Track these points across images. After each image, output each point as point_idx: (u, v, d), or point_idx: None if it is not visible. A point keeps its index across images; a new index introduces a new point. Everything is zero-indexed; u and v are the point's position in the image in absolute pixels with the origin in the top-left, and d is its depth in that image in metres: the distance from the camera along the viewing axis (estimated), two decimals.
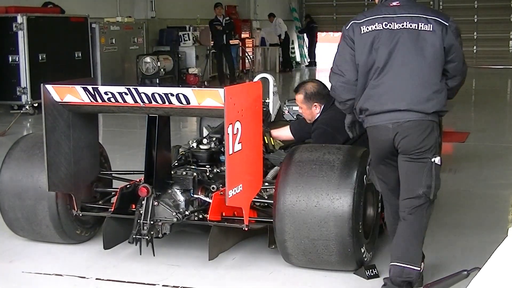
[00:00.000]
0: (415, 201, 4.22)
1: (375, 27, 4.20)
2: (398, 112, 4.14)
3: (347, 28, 4.30)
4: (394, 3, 4.26)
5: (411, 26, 4.16)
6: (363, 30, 4.22)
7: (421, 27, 4.15)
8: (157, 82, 16.69)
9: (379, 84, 4.18)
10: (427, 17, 4.18)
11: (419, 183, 4.19)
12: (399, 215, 4.32)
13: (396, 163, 4.29)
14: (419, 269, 4.28)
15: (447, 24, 4.19)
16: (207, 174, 5.29)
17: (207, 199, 5.06)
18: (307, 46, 28.41)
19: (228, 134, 4.32)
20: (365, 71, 4.22)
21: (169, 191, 5.05)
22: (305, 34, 28.23)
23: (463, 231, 5.88)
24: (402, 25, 4.16)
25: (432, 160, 4.17)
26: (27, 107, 13.48)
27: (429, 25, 4.16)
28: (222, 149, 5.36)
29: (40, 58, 13.79)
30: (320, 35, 30.28)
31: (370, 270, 4.77)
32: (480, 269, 2.65)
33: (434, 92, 4.16)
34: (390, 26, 4.17)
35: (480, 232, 5.51)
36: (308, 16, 28.15)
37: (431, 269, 4.88)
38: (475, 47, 27.15)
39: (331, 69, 4.40)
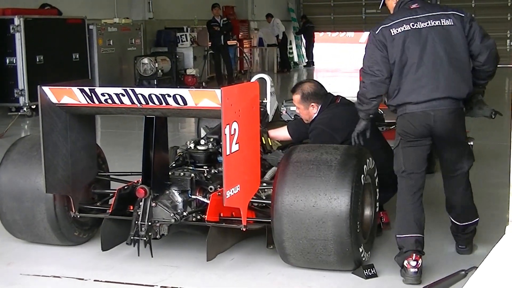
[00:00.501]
0: (460, 178, 5.00)
1: (404, 28, 4.71)
2: (437, 101, 4.67)
3: (376, 33, 4.77)
4: (414, 6, 4.81)
5: (435, 23, 4.72)
6: (393, 32, 4.72)
7: (443, 23, 4.73)
8: (155, 83, 16.66)
9: (419, 78, 4.67)
10: (445, 13, 4.77)
11: (460, 164, 4.95)
12: (448, 190, 5.07)
13: (424, 146, 4.81)
14: (478, 218, 5.17)
15: (463, 15, 4.81)
16: (205, 175, 5.29)
17: (205, 200, 5.06)
18: (305, 46, 28.40)
19: (225, 134, 4.32)
20: (400, 68, 4.70)
21: (167, 192, 5.05)
22: (302, 35, 28.21)
23: None
24: (427, 24, 4.72)
25: (470, 143, 5.10)
26: (25, 109, 13.48)
27: (449, 20, 4.75)
28: (220, 150, 5.35)
29: (38, 60, 13.78)
30: (318, 35, 30.31)
31: (369, 269, 4.77)
32: (477, 268, 2.65)
33: (463, 79, 4.74)
34: (416, 25, 4.71)
35: (478, 230, 5.50)
36: (304, 17, 28.14)
37: (430, 268, 4.88)
38: None
39: (362, 70, 4.89)
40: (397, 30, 4.71)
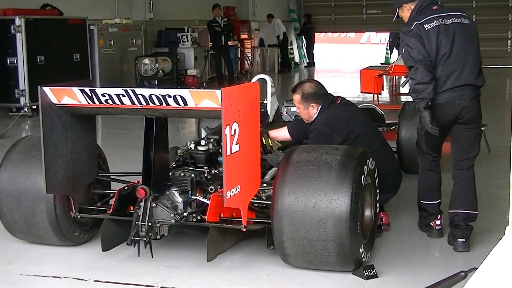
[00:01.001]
0: (471, 161, 5.46)
1: (435, 23, 5.27)
2: (461, 88, 5.28)
3: (412, 28, 5.28)
4: (435, 7, 5.41)
5: (457, 21, 5.34)
6: (427, 27, 5.26)
7: (463, 21, 5.36)
8: (156, 83, 16.67)
9: (448, 66, 5.25)
10: (461, 13, 5.42)
11: (474, 147, 5.46)
12: (455, 173, 5.51)
13: (445, 132, 5.43)
14: (477, 212, 5.44)
15: (470, 18, 5.51)
16: (205, 175, 5.29)
17: (205, 201, 5.06)
18: (305, 46, 28.40)
19: (226, 135, 4.32)
20: (433, 58, 5.24)
21: (167, 192, 5.05)
22: (302, 36, 28.21)
23: None
24: (452, 21, 5.32)
25: (482, 128, 5.73)
26: (26, 109, 13.49)
27: (466, 19, 5.40)
28: (220, 150, 5.35)
29: (39, 60, 13.78)
30: (319, 35, 30.34)
31: (369, 270, 4.77)
32: (477, 269, 2.65)
33: (480, 70, 5.42)
34: (444, 22, 5.30)
35: (479, 231, 5.51)
36: (306, 16, 28.11)
37: (429, 270, 4.89)
38: None
39: (409, 66, 5.27)
40: (429, 25, 5.26)
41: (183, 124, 12.59)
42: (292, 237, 4.65)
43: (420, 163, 5.73)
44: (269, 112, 6.77)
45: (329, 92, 5.98)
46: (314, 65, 27.83)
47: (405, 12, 5.56)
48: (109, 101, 4.68)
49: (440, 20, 5.31)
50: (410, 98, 5.76)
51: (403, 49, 5.32)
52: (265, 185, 5.31)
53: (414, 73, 5.19)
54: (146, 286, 4.73)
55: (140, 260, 4.93)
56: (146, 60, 16.84)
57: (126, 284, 4.78)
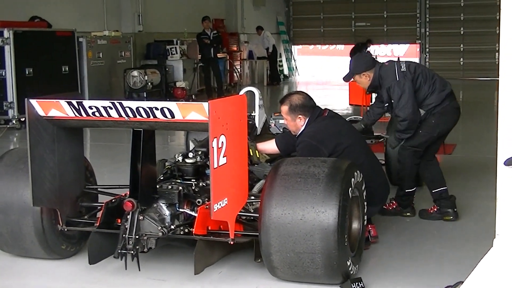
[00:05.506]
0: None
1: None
2: None
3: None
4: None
5: None
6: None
7: None
8: (145, 96, 16.65)
9: None
10: None
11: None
12: (429, 168, 6.64)
13: None
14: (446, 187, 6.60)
15: None
16: (193, 188, 5.28)
17: (193, 213, 5.04)
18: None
19: (213, 147, 4.31)
20: None
21: (155, 205, 5.04)
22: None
23: (450, 243, 5.90)
24: None
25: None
26: (14, 121, 13.45)
27: None
28: (208, 163, 5.34)
29: (27, 73, 13.75)
30: (308, 47, 30.40)
31: (356, 283, 4.75)
32: (463, 282, 2.65)
33: None
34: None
35: (467, 243, 5.52)
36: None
37: (417, 282, 4.88)
38: (461, 59, 27.32)
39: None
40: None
41: (172, 136, 12.57)
42: (280, 250, 4.64)
43: (410, 160, 6.49)
44: (257, 125, 6.76)
45: (317, 104, 5.98)
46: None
47: (364, 78, 6.44)
48: (96, 114, 4.67)
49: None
50: None
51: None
52: (252, 197, 5.30)
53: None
54: None
55: (127, 273, 4.90)
56: (135, 73, 16.81)
57: None
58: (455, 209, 6.53)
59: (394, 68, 6.36)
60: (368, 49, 25.58)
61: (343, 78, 6.69)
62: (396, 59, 6.69)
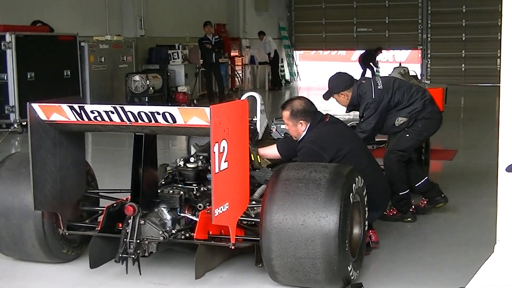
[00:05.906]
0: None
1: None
2: None
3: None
4: None
5: None
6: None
7: None
8: (146, 100, 16.64)
9: None
10: None
11: None
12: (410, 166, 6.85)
13: None
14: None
15: None
16: (194, 192, 5.28)
17: (194, 218, 5.05)
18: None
19: (214, 152, 4.32)
20: None
21: (156, 209, 5.04)
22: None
23: (451, 248, 5.89)
24: None
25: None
26: (15, 125, 13.46)
27: None
28: (209, 168, 5.34)
29: (29, 77, 13.77)
30: (309, 53, 30.41)
31: None
32: None
33: None
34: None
35: (468, 249, 5.52)
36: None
37: (419, 287, 4.88)
38: (463, 65, 27.33)
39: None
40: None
41: (173, 141, 12.57)
42: (281, 255, 4.64)
43: (396, 164, 6.65)
44: (258, 130, 6.77)
45: (318, 110, 5.99)
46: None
47: (343, 97, 6.75)
48: (98, 118, 4.68)
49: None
50: None
51: None
52: (254, 202, 5.30)
53: None
54: None
55: (128, 277, 4.91)
56: (137, 77, 16.82)
57: None
58: (442, 195, 6.85)
59: (371, 86, 6.64)
60: (377, 57, 25.72)
61: (323, 96, 6.84)
62: (371, 77, 7.16)
